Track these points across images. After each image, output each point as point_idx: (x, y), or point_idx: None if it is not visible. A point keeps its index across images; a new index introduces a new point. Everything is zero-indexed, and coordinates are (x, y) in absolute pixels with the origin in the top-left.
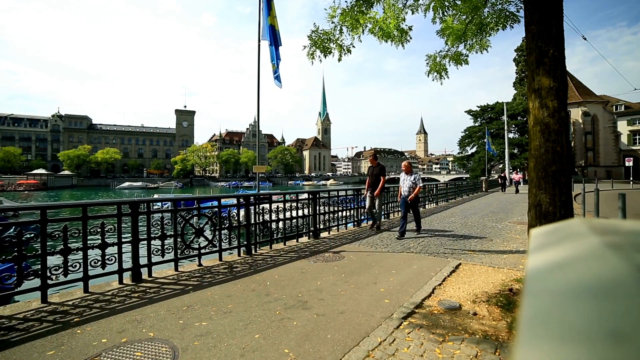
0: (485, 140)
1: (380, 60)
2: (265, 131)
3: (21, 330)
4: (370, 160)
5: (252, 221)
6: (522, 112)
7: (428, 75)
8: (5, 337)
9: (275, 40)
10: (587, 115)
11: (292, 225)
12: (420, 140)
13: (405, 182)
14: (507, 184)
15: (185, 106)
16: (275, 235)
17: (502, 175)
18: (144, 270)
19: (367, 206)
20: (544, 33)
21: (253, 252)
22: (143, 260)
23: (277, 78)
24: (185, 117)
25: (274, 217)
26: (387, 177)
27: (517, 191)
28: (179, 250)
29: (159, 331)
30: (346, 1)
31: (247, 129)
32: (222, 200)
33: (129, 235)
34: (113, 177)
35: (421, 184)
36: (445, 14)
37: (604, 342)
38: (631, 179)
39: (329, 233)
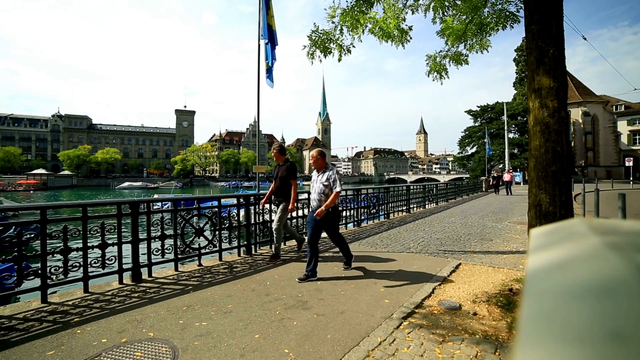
0: (486, 140)
1: (381, 60)
2: (265, 131)
3: (21, 330)
4: (275, 154)
5: (252, 221)
6: (522, 112)
7: (428, 76)
8: (5, 337)
9: (271, 40)
10: (587, 115)
11: (292, 225)
12: (420, 140)
13: (315, 185)
14: (501, 184)
15: (185, 106)
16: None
17: (496, 175)
18: (144, 270)
19: (274, 224)
20: (544, 33)
21: (253, 252)
22: (143, 260)
23: (270, 78)
24: (185, 117)
25: (274, 217)
26: (387, 177)
27: (508, 193)
28: (179, 250)
29: (159, 331)
30: (346, 1)
31: (247, 129)
32: (222, 200)
33: (129, 235)
34: (113, 177)
35: (339, 188)
36: (445, 14)
37: (604, 342)
38: (631, 179)
39: None
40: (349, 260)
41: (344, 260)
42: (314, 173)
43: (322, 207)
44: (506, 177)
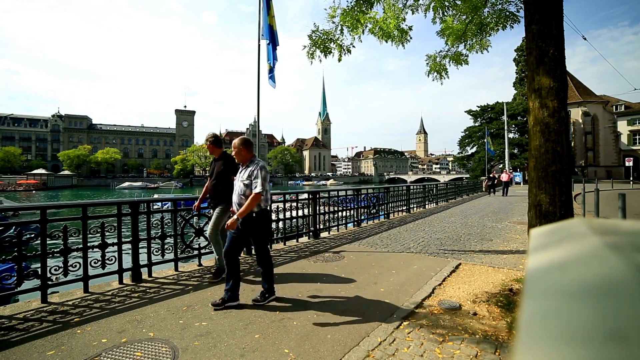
0: (485, 140)
1: (381, 60)
2: (265, 131)
3: (21, 330)
4: (209, 147)
5: None
6: (522, 112)
7: (428, 76)
8: (5, 337)
9: (272, 40)
10: (587, 115)
11: (292, 225)
12: (420, 140)
13: (236, 183)
14: (498, 184)
15: (185, 106)
16: (275, 235)
17: (492, 175)
18: (144, 270)
19: (209, 231)
20: (544, 33)
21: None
22: (143, 260)
23: (272, 78)
24: (185, 117)
25: (274, 217)
26: (387, 177)
27: (504, 194)
28: (179, 250)
29: (159, 331)
30: (346, 1)
31: (247, 129)
32: None
33: (129, 235)
34: (113, 177)
35: (259, 189)
36: (445, 14)
37: (604, 342)
38: (631, 179)
39: (329, 233)
40: (269, 291)
41: (261, 290)
42: (240, 167)
43: (234, 217)
44: (504, 177)
